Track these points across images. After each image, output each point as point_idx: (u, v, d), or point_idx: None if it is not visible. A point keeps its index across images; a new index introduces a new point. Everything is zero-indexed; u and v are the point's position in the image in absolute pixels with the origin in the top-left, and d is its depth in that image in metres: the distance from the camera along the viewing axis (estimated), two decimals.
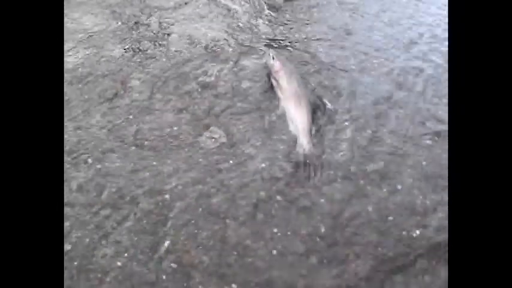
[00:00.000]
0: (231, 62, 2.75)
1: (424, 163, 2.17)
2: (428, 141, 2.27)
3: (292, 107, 2.36)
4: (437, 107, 2.44)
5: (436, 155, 2.20)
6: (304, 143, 2.22)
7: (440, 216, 1.95)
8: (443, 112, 2.40)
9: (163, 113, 2.43)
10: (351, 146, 2.24)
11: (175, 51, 2.84)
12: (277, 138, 2.29)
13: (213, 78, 2.64)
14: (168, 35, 2.99)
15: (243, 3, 3.38)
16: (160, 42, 2.91)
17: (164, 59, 2.77)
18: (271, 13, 3.26)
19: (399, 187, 2.07)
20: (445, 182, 2.07)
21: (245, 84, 2.60)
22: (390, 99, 2.50)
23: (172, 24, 3.09)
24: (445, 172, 2.10)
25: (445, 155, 2.18)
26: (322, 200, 2.02)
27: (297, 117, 2.31)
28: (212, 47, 2.88)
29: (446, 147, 2.19)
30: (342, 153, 2.21)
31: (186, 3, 3.36)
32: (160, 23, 3.12)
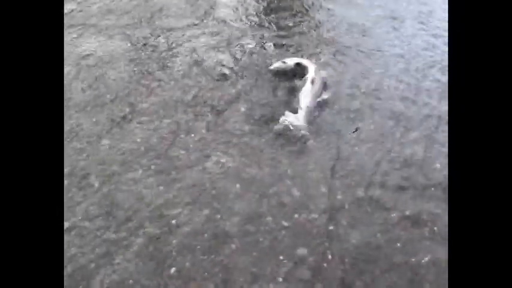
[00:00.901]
0: (238, 86, 2.77)
1: None
2: None
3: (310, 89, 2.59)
4: None
5: None
6: (300, 117, 2.44)
7: None
8: None
9: (172, 136, 2.43)
10: None
11: (183, 74, 2.85)
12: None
13: (221, 102, 2.64)
14: (177, 56, 3.00)
15: (252, 25, 3.41)
16: (168, 65, 2.92)
17: (172, 82, 2.78)
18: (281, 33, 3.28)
19: None
20: None
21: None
22: None
23: (181, 45, 3.11)
24: None
25: None
26: None
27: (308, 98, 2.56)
28: (220, 70, 2.89)
29: None
30: None
31: (195, 24, 3.38)
32: (169, 44, 3.13)
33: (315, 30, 3.36)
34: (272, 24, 3.45)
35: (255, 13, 3.62)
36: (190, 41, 3.17)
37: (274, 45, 3.17)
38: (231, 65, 2.94)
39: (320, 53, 3.09)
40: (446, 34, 3.15)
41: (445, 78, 2.76)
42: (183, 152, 2.35)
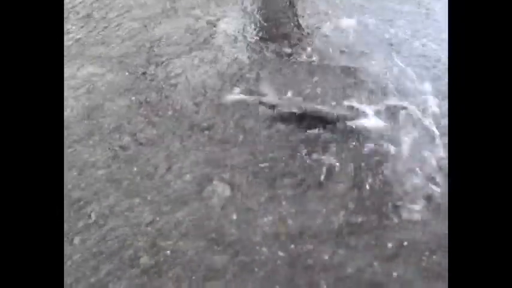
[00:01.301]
0: (236, 114, 2.79)
1: None
2: None
3: None
4: None
5: None
6: None
7: None
8: None
9: (168, 165, 2.45)
10: None
11: (182, 103, 2.88)
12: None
13: (219, 131, 2.67)
14: (175, 86, 3.03)
15: (250, 53, 3.45)
16: (166, 94, 2.95)
17: (170, 112, 2.81)
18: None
19: None
20: None
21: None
22: None
23: (179, 75, 3.14)
24: None
25: None
26: None
27: None
28: (218, 97, 2.92)
29: None
30: None
31: (194, 53, 3.42)
32: (167, 72, 3.16)
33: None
34: (271, 52, 3.50)
35: (254, 41, 3.66)
36: (189, 70, 3.20)
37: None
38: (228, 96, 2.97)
39: None
40: None
41: None
42: (179, 181, 2.36)
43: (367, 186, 2.31)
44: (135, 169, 2.44)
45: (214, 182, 2.35)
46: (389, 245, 2.06)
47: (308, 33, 3.82)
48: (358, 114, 2.72)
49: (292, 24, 3.93)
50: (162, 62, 3.28)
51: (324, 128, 2.65)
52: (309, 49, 3.53)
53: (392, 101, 2.85)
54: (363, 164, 2.43)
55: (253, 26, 3.87)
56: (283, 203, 2.25)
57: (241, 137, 2.63)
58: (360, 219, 2.17)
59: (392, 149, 2.51)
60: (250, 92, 2.98)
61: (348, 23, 3.82)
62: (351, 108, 2.79)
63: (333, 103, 2.85)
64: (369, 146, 2.53)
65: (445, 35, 3.43)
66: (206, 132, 2.67)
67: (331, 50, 3.48)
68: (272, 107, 2.81)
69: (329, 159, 2.46)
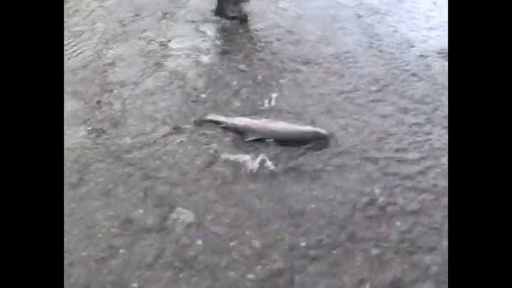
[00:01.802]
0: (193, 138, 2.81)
1: None
2: None
3: None
4: None
5: None
6: None
7: None
8: None
9: (128, 196, 2.44)
10: None
11: (138, 130, 2.87)
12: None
13: (177, 156, 2.67)
14: (131, 112, 3.02)
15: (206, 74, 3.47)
16: (123, 122, 2.94)
17: (128, 140, 2.79)
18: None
19: None
20: None
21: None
22: None
23: (134, 102, 3.13)
24: None
25: None
26: None
27: None
28: (175, 124, 2.92)
29: None
30: None
31: (148, 77, 3.41)
32: (122, 100, 3.15)
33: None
34: (223, 67, 3.53)
35: (208, 59, 3.68)
36: (143, 96, 3.19)
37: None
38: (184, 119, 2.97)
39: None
40: None
41: None
42: (141, 211, 2.35)
43: None
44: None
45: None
46: None
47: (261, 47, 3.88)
48: None
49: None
50: (116, 89, 3.26)
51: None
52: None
53: None
54: None
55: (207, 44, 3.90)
56: None
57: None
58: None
59: None
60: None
61: None
62: None
63: None
64: None
65: None
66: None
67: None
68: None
69: None
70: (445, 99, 3.08)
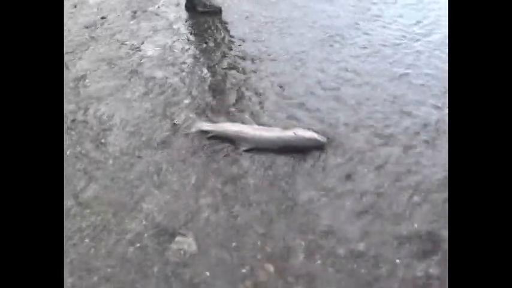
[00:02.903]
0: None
1: None
2: None
3: None
4: None
5: None
6: None
7: None
8: None
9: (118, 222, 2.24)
10: None
11: (120, 150, 2.64)
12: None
13: (168, 176, 2.47)
14: (109, 130, 2.79)
15: (183, 76, 3.25)
16: (102, 141, 2.71)
17: (111, 161, 2.58)
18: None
19: None
20: None
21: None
22: None
23: (112, 116, 2.90)
24: None
25: None
26: None
27: None
28: (156, 137, 2.71)
29: None
30: None
31: (123, 87, 3.18)
32: (99, 117, 2.91)
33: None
34: (201, 67, 3.32)
35: (184, 59, 3.46)
36: (121, 108, 2.96)
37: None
38: (171, 131, 2.75)
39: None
40: None
41: None
42: (138, 245, 2.15)
43: None
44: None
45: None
46: None
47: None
48: None
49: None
50: (91, 106, 3.02)
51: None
52: None
53: None
54: None
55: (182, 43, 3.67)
56: None
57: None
58: None
59: None
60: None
61: None
62: None
63: None
64: None
65: None
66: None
67: None
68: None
69: None
70: None
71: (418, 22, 3.81)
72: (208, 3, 4.03)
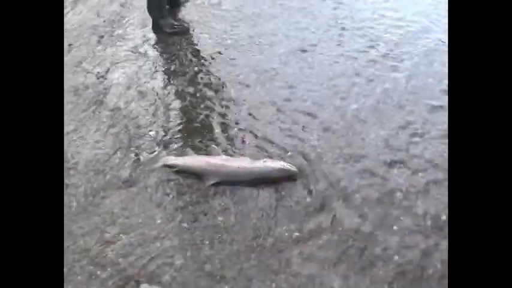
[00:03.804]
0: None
1: None
2: None
3: None
4: None
5: None
6: None
7: None
8: None
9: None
10: None
11: (86, 192, 2.54)
12: None
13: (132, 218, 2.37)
14: (75, 169, 2.69)
15: (151, 108, 3.15)
16: (68, 183, 2.60)
17: (75, 204, 2.47)
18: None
19: None
20: None
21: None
22: None
23: (79, 153, 2.79)
24: None
25: None
26: None
27: None
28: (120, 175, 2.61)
29: None
30: None
31: (88, 120, 3.07)
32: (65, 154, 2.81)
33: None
34: (167, 94, 3.22)
35: (151, 85, 3.36)
36: (85, 145, 2.85)
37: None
38: (135, 168, 2.65)
39: None
40: None
41: None
42: None
43: None
44: None
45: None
46: None
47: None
48: None
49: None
50: None
51: None
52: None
53: None
54: None
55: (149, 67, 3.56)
56: None
57: None
58: None
59: None
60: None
61: None
62: None
63: None
64: None
65: None
66: None
67: None
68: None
69: None
70: None
71: None
72: (175, 23, 3.92)
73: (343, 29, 3.65)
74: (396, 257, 2.04)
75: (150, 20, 3.99)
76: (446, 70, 2.90)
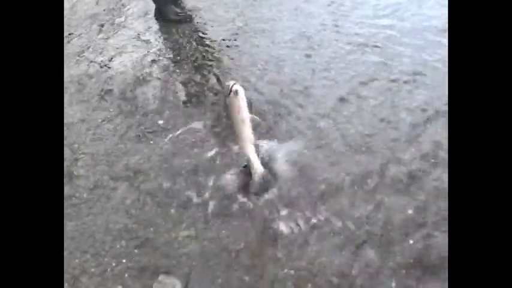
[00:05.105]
0: None
1: None
2: None
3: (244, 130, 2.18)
4: None
5: None
6: (258, 168, 2.21)
7: None
8: None
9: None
10: None
11: (94, 182, 2.52)
12: None
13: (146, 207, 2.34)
14: (84, 161, 2.65)
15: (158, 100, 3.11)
16: (74, 173, 2.57)
17: (85, 195, 2.44)
18: None
19: None
20: None
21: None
22: None
23: (85, 148, 2.76)
24: None
25: None
26: None
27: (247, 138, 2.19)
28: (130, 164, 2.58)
29: None
30: None
31: (94, 111, 3.03)
32: (70, 145, 2.77)
33: None
34: (173, 82, 3.17)
35: (156, 74, 3.31)
36: (91, 135, 2.82)
37: None
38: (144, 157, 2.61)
39: None
40: None
41: None
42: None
43: None
44: None
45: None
46: None
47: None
48: None
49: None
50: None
51: None
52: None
53: None
54: None
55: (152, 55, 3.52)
56: None
57: None
58: None
59: None
60: None
61: None
62: None
63: None
64: None
65: None
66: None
67: None
68: None
69: None
70: None
71: None
72: (179, 10, 3.86)
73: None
74: None
75: (152, 8, 3.93)
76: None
